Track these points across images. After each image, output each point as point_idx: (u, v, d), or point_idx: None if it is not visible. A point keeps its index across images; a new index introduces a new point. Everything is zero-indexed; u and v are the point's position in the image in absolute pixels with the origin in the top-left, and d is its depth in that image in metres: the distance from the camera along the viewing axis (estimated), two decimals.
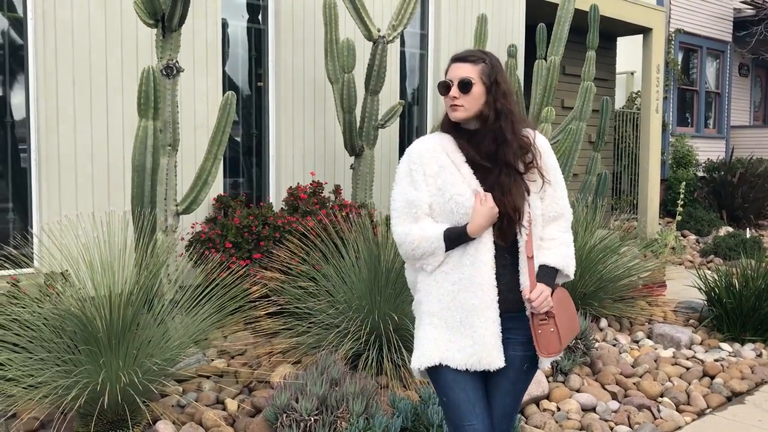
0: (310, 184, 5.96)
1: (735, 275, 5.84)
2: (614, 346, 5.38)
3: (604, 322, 5.82)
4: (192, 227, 5.59)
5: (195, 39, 5.82)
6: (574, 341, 4.73)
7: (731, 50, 15.12)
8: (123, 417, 3.41)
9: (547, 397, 4.30)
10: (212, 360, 4.48)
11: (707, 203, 12.43)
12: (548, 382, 4.44)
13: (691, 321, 6.17)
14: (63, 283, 3.85)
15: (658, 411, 4.25)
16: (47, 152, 5.19)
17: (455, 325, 2.32)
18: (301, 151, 6.64)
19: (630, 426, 4.06)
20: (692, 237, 11.00)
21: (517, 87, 8.10)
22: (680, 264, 9.04)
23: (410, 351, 4.06)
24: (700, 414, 4.31)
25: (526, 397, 4.12)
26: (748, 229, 11.03)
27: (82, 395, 3.17)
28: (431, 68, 7.87)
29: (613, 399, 4.41)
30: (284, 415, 3.39)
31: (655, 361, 5.10)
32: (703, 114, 14.63)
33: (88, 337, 3.39)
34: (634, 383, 4.64)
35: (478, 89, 2.33)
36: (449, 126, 2.43)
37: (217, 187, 5.92)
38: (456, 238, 2.31)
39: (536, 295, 2.29)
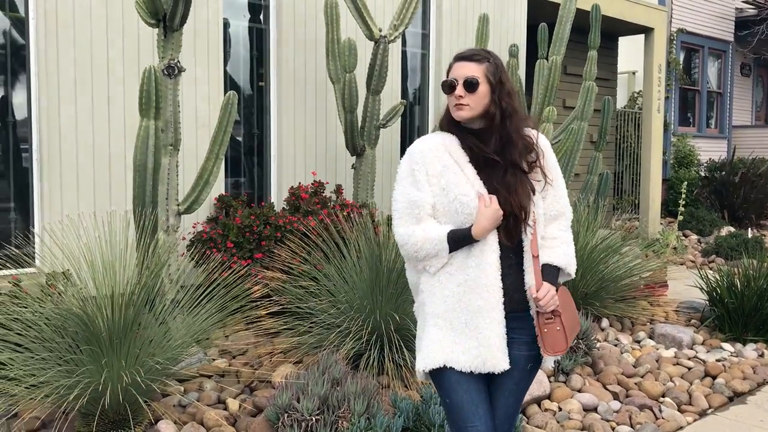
0: (312, 183, 5.96)
1: (737, 275, 5.84)
2: (616, 346, 5.37)
3: (605, 322, 5.81)
4: (193, 227, 5.59)
5: (196, 39, 5.82)
6: (575, 341, 4.73)
7: (733, 50, 15.11)
8: (124, 416, 3.41)
9: (549, 397, 4.30)
10: (214, 359, 4.48)
11: (709, 203, 12.42)
12: (550, 382, 4.44)
13: (693, 321, 6.17)
14: (64, 282, 3.85)
15: (660, 411, 4.24)
16: (49, 152, 5.19)
17: (460, 326, 2.31)
18: (303, 150, 6.64)
19: (632, 426, 4.06)
20: (694, 237, 10.99)
21: (519, 87, 8.09)
22: (682, 264, 9.03)
23: (411, 351, 4.07)
24: (702, 414, 4.31)
25: (527, 397, 4.12)
26: (749, 228, 11.02)
27: (83, 395, 3.17)
28: (433, 68, 7.87)
29: (614, 399, 4.40)
30: (286, 414, 3.39)
31: (657, 361, 5.10)
32: (704, 114, 14.61)
33: (90, 337, 3.39)
34: (635, 383, 4.63)
35: (483, 88, 2.32)
36: (451, 125, 2.41)
37: (218, 186, 5.93)
38: (460, 240, 2.29)
39: (543, 293, 2.29)
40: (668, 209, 12.83)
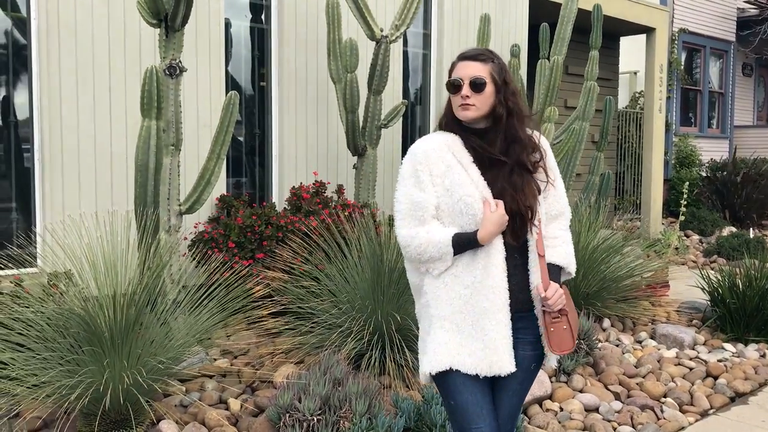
0: (313, 183, 5.97)
1: (738, 275, 5.83)
2: (617, 346, 5.37)
3: (607, 323, 5.81)
4: (195, 227, 5.59)
5: (198, 39, 5.82)
6: (577, 341, 4.72)
7: (735, 50, 15.10)
8: (126, 416, 3.41)
9: (550, 397, 4.30)
10: (215, 359, 4.48)
11: (710, 203, 12.41)
12: (551, 382, 4.44)
13: (695, 321, 6.16)
14: (66, 282, 3.85)
15: (661, 411, 4.24)
16: (50, 152, 5.20)
17: (467, 329, 2.29)
18: (304, 150, 6.64)
19: (633, 426, 4.05)
20: (695, 237, 10.98)
21: (521, 87, 8.09)
22: (683, 264, 9.02)
23: (413, 351, 4.06)
24: (704, 414, 4.30)
25: (529, 398, 4.12)
26: (751, 229, 11.01)
27: (85, 395, 3.17)
28: (434, 68, 7.87)
29: (616, 399, 4.40)
30: (287, 414, 3.39)
31: (658, 361, 5.10)
32: (706, 114, 14.60)
33: (92, 337, 3.39)
34: (637, 383, 4.63)
35: (489, 88, 2.32)
36: (454, 125, 2.39)
37: (220, 186, 5.93)
38: (465, 244, 2.28)
39: (552, 292, 2.29)
40: (670, 209, 12.82)
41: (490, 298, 2.27)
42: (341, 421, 3.37)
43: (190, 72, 5.59)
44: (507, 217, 2.28)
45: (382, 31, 6.18)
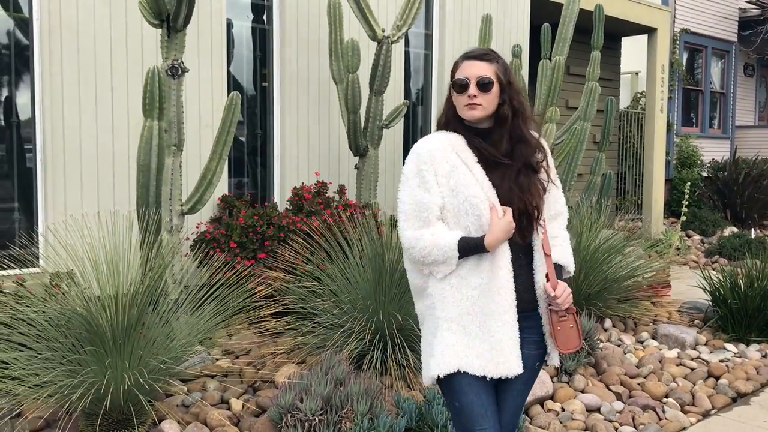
0: (315, 184, 5.97)
1: (740, 276, 5.83)
2: (619, 346, 5.37)
3: (608, 323, 5.81)
4: (197, 227, 5.60)
5: (200, 39, 5.83)
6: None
7: (736, 50, 15.08)
8: (128, 416, 3.41)
9: (552, 397, 4.30)
10: (217, 359, 4.48)
11: (712, 203, 12.41)
12: (552, 382, 4.44)
13: (696, 321, 6.16)
14: (68, 282, 3.86)
15: (663, 412, 4.24)
16: (52, 152, 5.20)
17: (474, 330, 2.28)
18: (306, 151, 6.65)
19: (635, 426, 4.05)
20: (697, 237, 10.98)
21: (523, 87, 8.09)
22: (685, 264, 9.02)
23: (414, 351, 4.07)
24: (705, 415, 4.30)
25: (530, 398, 4.12)
26: (753, 229, 11.01)
27: (87, 395, 3.18)
28: (435, 68, 7.87)
29: (617, 399, 4.40)
30: (289, 414, 3.39)
31: (660, 361, 5.10)
32: (707, 114, 14.59)
33: (94, 337, 3.40)
34: (638, 384, 4.63)
35: (495, 88, 2.32)
36: (457, 124, 2.38)
37: (221, 187, 5.93)
38: (471, 249, 2.26)
39: (561, 291, 2.29)
40: (671, 210, 12.82)
41: (497, 299, 2.27)
42: (343, 422, 3.37)
43: (192, 72, 5.59)
44: (514, 225, 2.27)
45: (383, 31, 6.18)
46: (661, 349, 5.40)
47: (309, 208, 5.56)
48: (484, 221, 2.26)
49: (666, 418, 4.17)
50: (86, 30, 5.31)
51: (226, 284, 3.93)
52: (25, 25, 5.20)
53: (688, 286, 6.88)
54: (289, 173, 6.54)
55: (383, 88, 6.26)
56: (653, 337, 5.67)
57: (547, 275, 2.34)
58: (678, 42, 13.45)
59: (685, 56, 13.93)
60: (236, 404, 3.86)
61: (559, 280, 2.33)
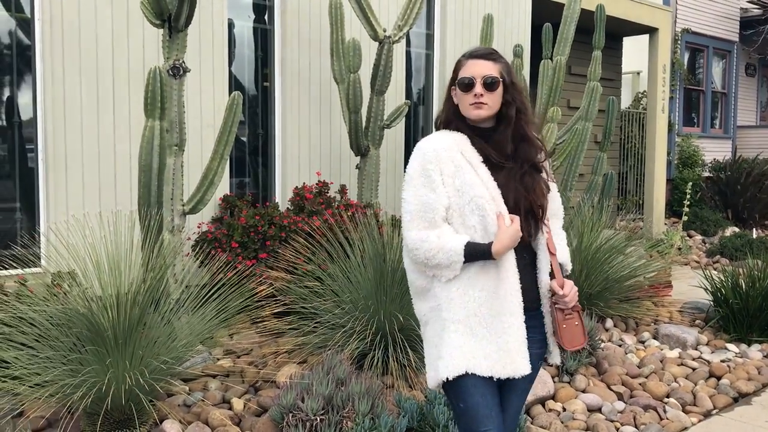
0: (316, 183, 5.97)
1: (741, 276, 5.83)
2: (620, 346, 5.37)
3: (609, 323, 5.81)
4: (198, 227, 5.60)
5: (201, 39, 5.83)
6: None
7: (738, 50, 15.07)
8: (129, 416, 3.42)
9: (553, 397, 4.30)
10: (218, 359, 4.48)
11: (713, 203, 12.40)
12: (554, 382, 4.44)
13: (697, 321, 6.16)
14: (70, 282, 3.86)
15: (664, 411, 4.24)
16: (54, 152, 5.21)
17: (481, 331, 2.26)
18: (307, 150, 6.65)
19: (636, 426, 4.05)
20: (698, 237, 10.97)
21: (524, 87, 8.08)
22: (686, 264, 9.01)
23: (416, 351, 4.07)
24: (707, 415, 4.30)
25: (532, 398, 4.12)
26: (754, 229, 11.00)
27: (88, 394, 3.18)
28: (437, 68, 7.87)
29: (618, 399, 4.40)
30: (290, 414, 3.39)
31: (661, 361, 5.10)
32: (709, 114, 14.58)
33: (95, 337, 3.40)
34: (639, 384, 4.63)
35: (499, 88, 2.32)
36: (460, 124, 2.37)
37: (223, 186, 5.94)
38: (477, 255, 2.23)
39: (569, 289, 2.30)
40: (673, 209, 12.81)
41: (504, 300, 2.27)
42: (344, 421, 3.37)
43: (194, 72, 5.60)
44: (521, 233, 2.26)
45: (385, 31, 6.18)
46: (662, 349, 5.40)
47: (310, 208, 5.56)
48: (489, 221, 2.25)
49: (667, 418, 4.17)
50: (88, 30, 5.32)
51: (227, 284, 3.93)
52: (26, 25, 5.21)
53: (690, 286, 6.88)
54: (290, 173, 6.54)
55: (384, 88, 6.26)
56: (654, 337, 5.67)
57: (552, 274, 2.34)
58: (679, 42, 13.44)
59: (686, 56, 13.93)
60: (238, 404, 3.86)
61: (565, 279, 2.33)
